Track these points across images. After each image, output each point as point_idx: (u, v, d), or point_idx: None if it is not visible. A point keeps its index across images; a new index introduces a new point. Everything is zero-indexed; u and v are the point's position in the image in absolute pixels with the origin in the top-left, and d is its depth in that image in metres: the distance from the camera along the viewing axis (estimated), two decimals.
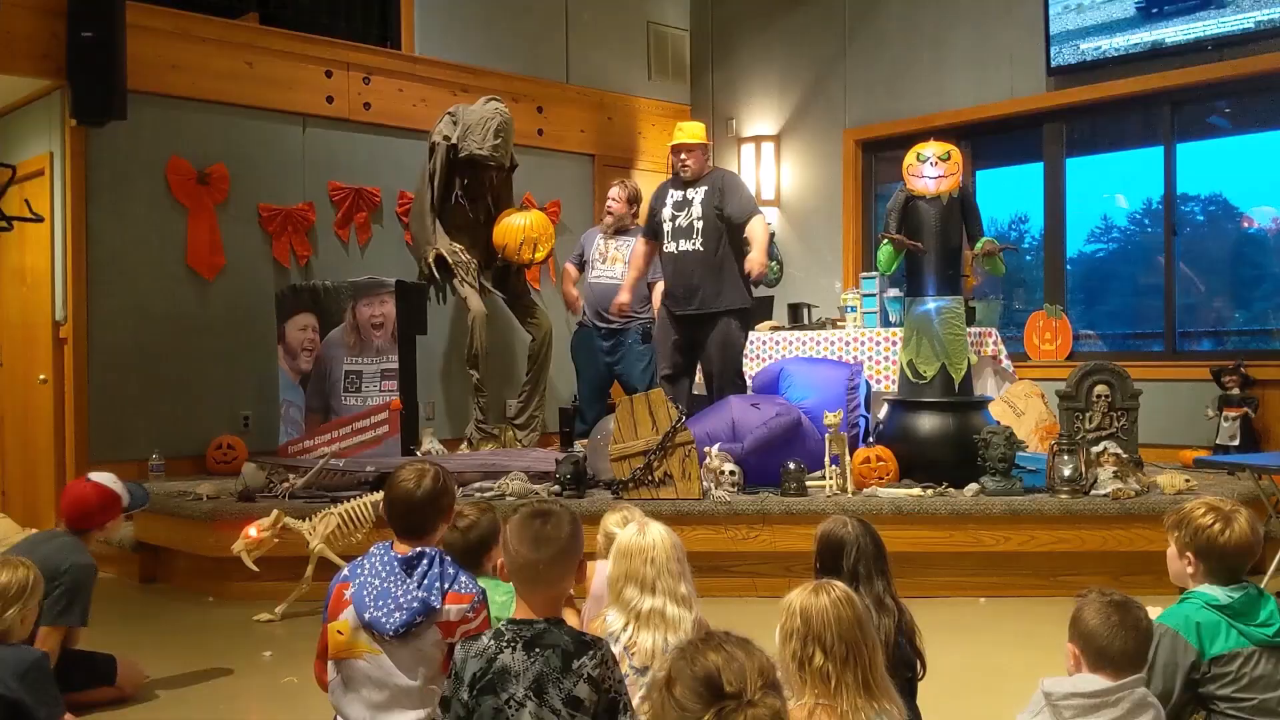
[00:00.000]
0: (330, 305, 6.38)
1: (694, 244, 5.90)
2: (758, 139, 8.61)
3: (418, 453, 6.32)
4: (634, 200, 6.93)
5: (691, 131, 6.09)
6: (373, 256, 7.25)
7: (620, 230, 6.86)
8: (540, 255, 6.84)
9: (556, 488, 5.25)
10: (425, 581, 2.62)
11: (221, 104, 6.69)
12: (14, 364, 6.79)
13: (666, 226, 6.00)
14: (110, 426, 6.27)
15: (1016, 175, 8.00)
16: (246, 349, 6.64)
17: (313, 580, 4.71)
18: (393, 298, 6.28)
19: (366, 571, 2.68)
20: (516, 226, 6.67)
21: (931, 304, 5.38)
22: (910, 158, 5.47)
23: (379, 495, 4.89)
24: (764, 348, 7.10)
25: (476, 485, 5.33)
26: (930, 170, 5.37)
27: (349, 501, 4.82)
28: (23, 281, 6.68)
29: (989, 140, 7.73)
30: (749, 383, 6.50)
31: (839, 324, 7.12)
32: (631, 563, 2.73)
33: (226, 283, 6.70)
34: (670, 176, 6.16)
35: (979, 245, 5.37)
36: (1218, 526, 2.53)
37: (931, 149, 5.40)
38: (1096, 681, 2.34)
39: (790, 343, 6.97)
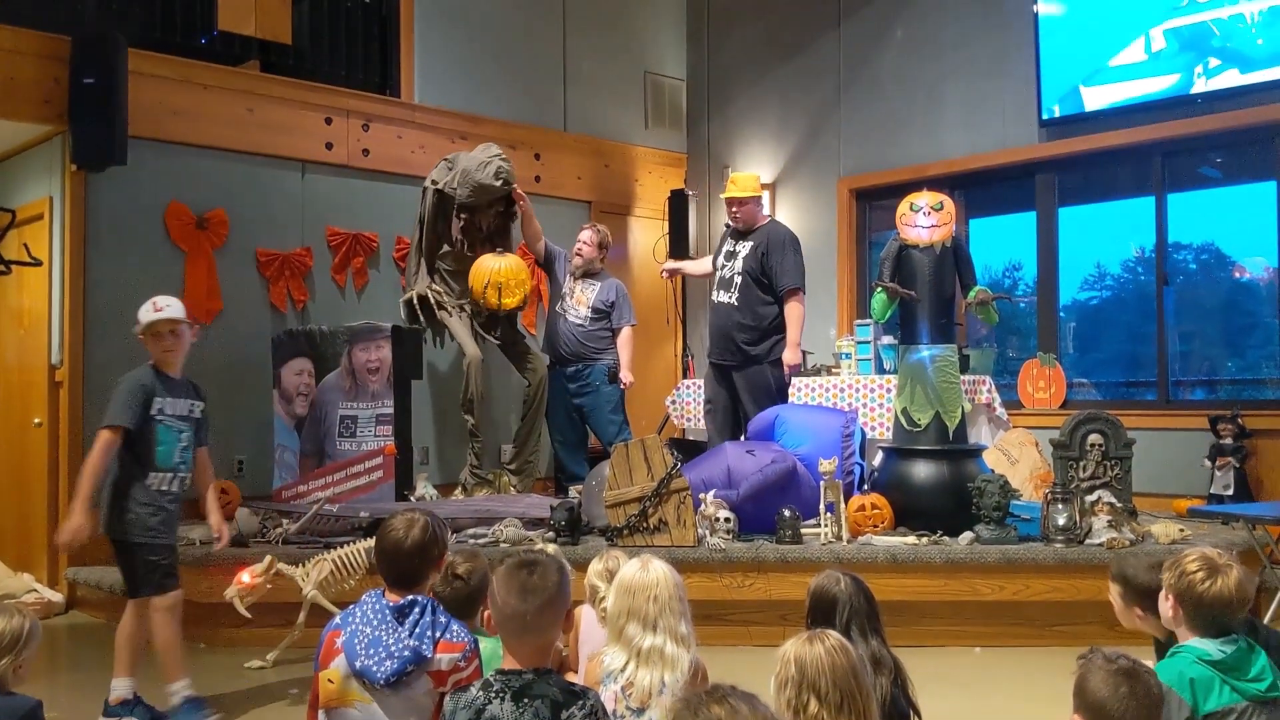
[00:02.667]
0: (326, 350, 6.40)
1: (731, 297, 6.20)
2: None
3: (412, 498, 6.32)
4: (604, 245, 7.08)
5: (743, 184, 6.30)
6: (370, 301, 7.27)
7: (589, 273, 6.97)
8: (509, 302, 6.60)
9: (551, 534, 5.24)
10: (417, 630, 2.61)
11: (221, 150, 6.74)
12: (9, 407, 6.78)
13: (716, 275, 6.37)
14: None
15: (1009, 224, 8.08)
16: (242, 393, 6.62)
17: (305, 626, 4.69)
18: (389, 342, 6.30)
19: (358, 620, 2.66)
20: (486, 269, 6.55)
21: (925, 352, 5.41)
22: (904, 207, 5.52)
23: (372, 541, 4.88)
24: None
25: (471, 531, 5.32)
26: (924, 220, 5.43)
27: (342, 547, 4.81)
28: (20, 324, 6.69)
29: (982, 190, 7.80)
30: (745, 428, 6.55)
31: (834, 371, 7.15)
32: (635, 599, 2.73)
33: (223, 327, 6.70)
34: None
35: (972, 294, 5.42)
36: (1202, 575, 2.54)
37: (925, 199, 5.46)
38: None
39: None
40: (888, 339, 6.76)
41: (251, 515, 5.56)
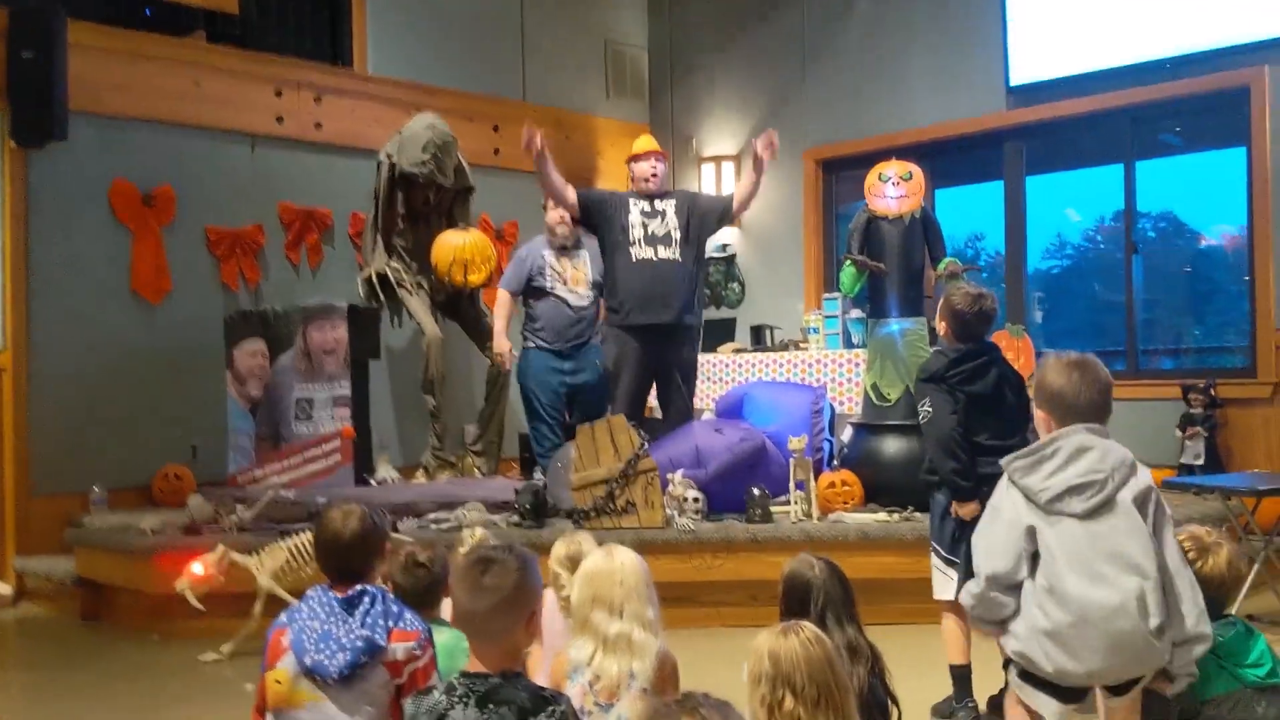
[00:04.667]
0: (281, 330, 6.21)
1: (672, 253, 5.66)
2: (718, 158, 8.53)
3: (373, 481, 6.16)
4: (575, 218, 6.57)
5: (655, 141, 6.01)
6: (324, 279, 7.07)
7: (571, 247, 6.43)
8: (475, 279, 6.41)
9: (516, 518, 5.10)
10: (368, 620, 2.50)
11: (167, 124, 6.50)
12: None
13: (635, 233, 5.70)
14: (51, 457, 6.04)
15: (974, 194, 7.98)
16: (194, 376, 6.42)
17: (261, 617, 4.54)
18: (345, 322, 6.12)
19: (305, 615, 2.53)
20: (450, 246, 6.35)
21: (895, 326, 5.30)
22: (872, 178, 5.40)
23: None
24: (727, 370, 7.00)
25: (433, 516, 5.18)
26: (892, 190, 5.31)
27: (298, 535, 4.66)
28: None
29: (949, 158, 7.69)
30: (712, 406, 6.42)
31: (801, 345, 7.04)
32: (600, 585, 2.64)
33: (173, 307, 6.50)
34: (629, 189, 5.97)
35: (942, 266, 5.30)
36: (1192, 555, 2.45)
37: (893, 169, 5.34)
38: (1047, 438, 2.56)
39: (754, 365, 6.88)
40: (856, 313, 6.65)
41: (204, 503, 5.39)
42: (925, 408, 3.87)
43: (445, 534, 4.99)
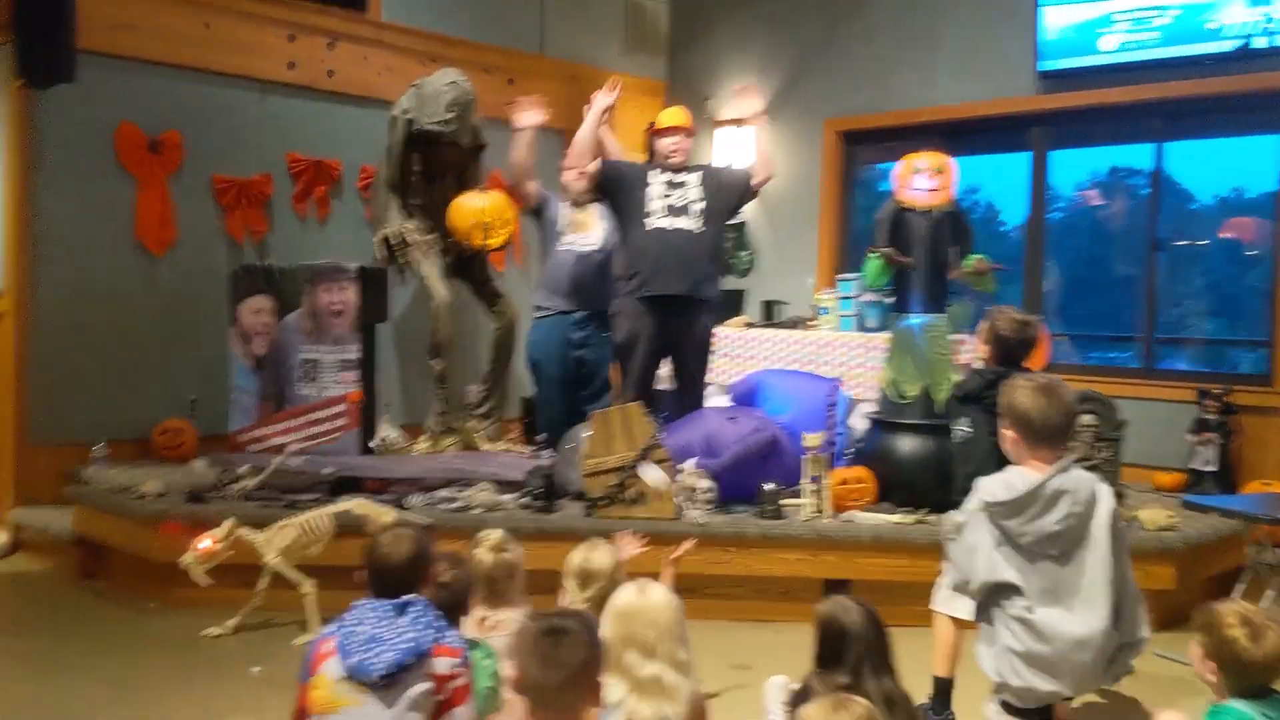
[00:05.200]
0: (287, 288, 6.07)
1: (695, 224, 5.56)
2: (737, 122, 8.34)
3: (372, 443, 6.04)
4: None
5: (686, 116, 5.86)
6: (332, 233, 6.93)
7: (587, 202, 6.24)
8: (494, 241, 6.24)
9: (525, 499, 5.04)
10: (419, 624, 2.56)
11: (175, 67, 6.29)
12: None
13: (653, 205, 5.59)
14: (50, 407, 5.93)
15: (993, 164, 7.81)
16: (196, 329, 6.31)
17: (266, 591, 4.50)
18: (354, 284, 5.99)
19: (350, 621, 2.58)
20: (471, 208, 6.16)
21: (917, 320, 5.21)
22: (903, 169, 5.27)
23: (340, 506, 4.67)
24: (735, 345, 6.90)
25: (443, 494, 5.10)
26: (924, 182, 5.19)
27: (308, 512, 4.59)
28: None
29: (973, 140, 7.53)
30: (721, 383, 6.35)
31: (810, 324, 6.95)
32: (633, 626, 2.58)
33: (176, 258, 6.35)
34: (647, 159, 5.87)
35: (968, 262, 5.21)
36: (1245, 640, 2.41)
37: (926, 160, 5.21)
38: (1023, 479, 2.91)
39: (764, 342, 6.79)
40: (870, 296, 6.54)
41: (209, 468, 5.30)
42: (964, 427, 3.85)
43: (454, 514, 4.94)
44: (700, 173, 5.75)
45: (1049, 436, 3.00)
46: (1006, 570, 2.98)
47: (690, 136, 5.82)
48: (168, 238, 6.30)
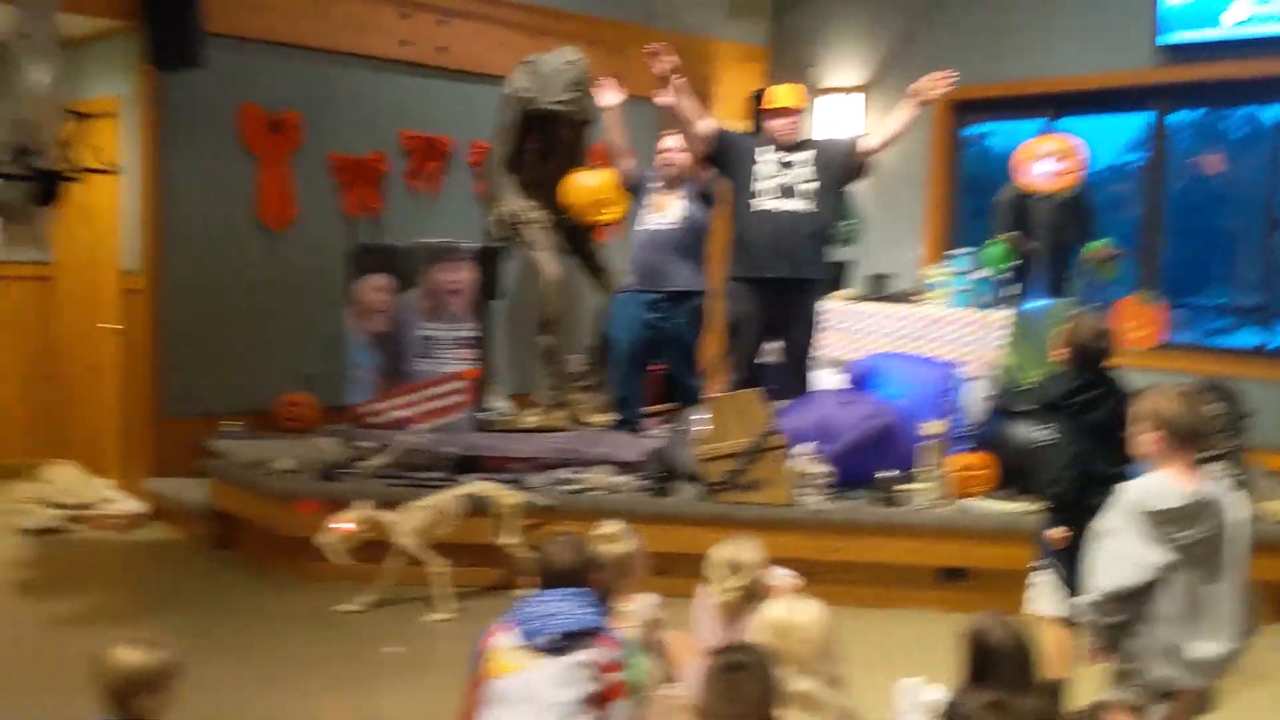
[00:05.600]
0: (406, 267, 6.20)
1: (804, 205, 5.51)
2: (842, 89, 8.23)
3: (483, 414, 6.15)
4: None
5: (800, 95, 5.81)
6: (445, 209, 7.03)
7: (675, 185, 6.13)
8: (609, 216, 6.35)
9: (643, 483, 5.13)
10: (588, 609, 2.80)
11: (293, 47, 6.42)
12: (79, 309, 6.66)
13: (762, 185, 5.57)
14: (181, 381, 6.16)
15: (1106, 130, 7.61)
16: (315, 304, 6.48)
17: (400, 569, 4.68)
18: (469, 262, 6.10)
19: (526, 605, 2.82)
20: (587, 186, 6.27)
21: (1039, 305, 5.17)
22: (1025, 152, 5.21)
23: (467, 488, 4.81)
24: (843, 319, 6.84)
25: (561, 475, 5.21)
26: (1050, 166, 5.12)
27: (438, 494, 4.75)
28: (88, 224, 6.49)
29: (1086, 110, 7.34)
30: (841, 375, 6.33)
31: (918, 298, 6.89)
32: (785, 641, 2.67)
33: (297, 235, 6.51)
34: (753, 133, 5.81)
35: (1092, 248, 5.14)
36: None
37: (1052, 144, 5.14)
38: (1176, 491, 2.89)
39: (871, 316, 6.73)
40: (983, 272, 6.44)
41: (337, 444, 5.48)
42: (1046, 432, 3.87)
43: (571, 496, 5.05)
44: (812, 151, 5.70)
45: (1191, 440, 3.04)
46: (1151, 575, 2.97)
47: (801, 115, 5.78)
48: (288, 216, 6.46)
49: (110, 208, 6.23)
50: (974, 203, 7.74)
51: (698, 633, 3.36)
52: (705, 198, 6.10)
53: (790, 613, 2.72)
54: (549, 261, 6.35)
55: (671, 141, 6.11)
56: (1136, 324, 6.71)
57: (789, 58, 8.50)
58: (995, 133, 7.87)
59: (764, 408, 4.98)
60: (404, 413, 6.06)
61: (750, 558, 3.25)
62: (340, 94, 6.64)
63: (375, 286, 6.25)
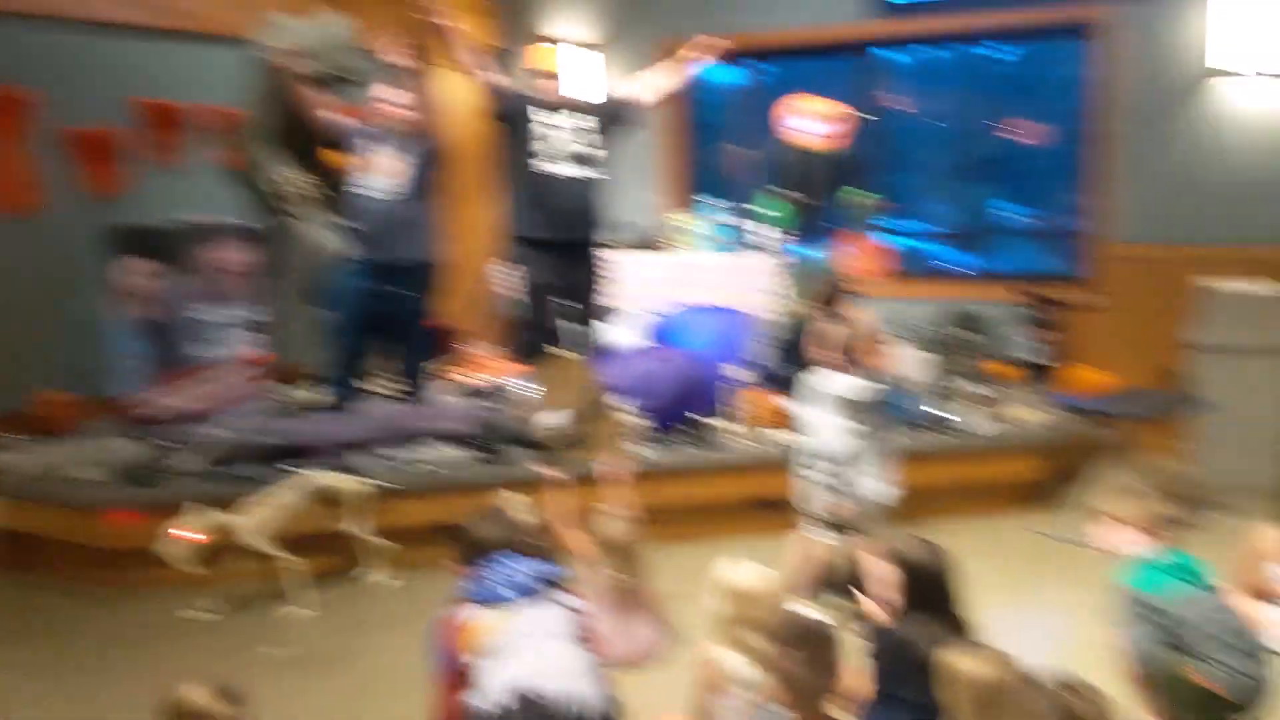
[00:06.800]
0: (169, 247, 5.85)
1: (597, 171, 5.70)
2: (557, 40, 8.35)
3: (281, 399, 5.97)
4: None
5: (554, 57, 5.92)
6: (195, 183, 6.60)
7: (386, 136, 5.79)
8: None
9: (479, 453, 5.22)
10: (541, 565, 3.06)
11: (11, 15, 5.81)
12: None
13: (539, 146, 5.62)
14: None
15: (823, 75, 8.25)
16: (70, 294, 5.97)
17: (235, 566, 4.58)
18: (240, 240, 5.84)
19: (483, 573, 3.01)
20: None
21: (810, 253, 5.69)
22: (798, 110, 5.65)
23: (317, 479, 4.70)
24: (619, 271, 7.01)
25: (391, 454, 5.18)
26: (819, 127, 5.59)
27: (275, 488, 4.63)
28: None
29: (809, 63, 7.96)
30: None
31: (664, 245, 7.24)
32: (749, 608, 3.00)
33: (41, 220, 5.95)
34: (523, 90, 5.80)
35: (855, 194, 5.68)
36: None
37: (824, 106, 5.61)
38: None
39: (635, 264, 7.00)
40: (728, 218, 6.93)
41: (135, 445, 5.15)
42: None
43: (415, 475, 5.05)
44: (594, 116, 5.79)
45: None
46: None
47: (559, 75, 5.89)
48: (33, 200, 5.89)
49: None
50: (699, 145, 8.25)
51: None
52: (430, 157, 5.81)
53: (752, 582, 3.02)
54: (325, 234, 6.16)
55: (389, 93, 5.70)
56: (867, 259, 7.47)
57: (513, 12, 8.53)
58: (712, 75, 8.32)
59: (589, 369, 5.19)
60: (184, 404, 5.75)
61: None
62: (68, 61, 6.08)
63: (137, 270, 5.86)
